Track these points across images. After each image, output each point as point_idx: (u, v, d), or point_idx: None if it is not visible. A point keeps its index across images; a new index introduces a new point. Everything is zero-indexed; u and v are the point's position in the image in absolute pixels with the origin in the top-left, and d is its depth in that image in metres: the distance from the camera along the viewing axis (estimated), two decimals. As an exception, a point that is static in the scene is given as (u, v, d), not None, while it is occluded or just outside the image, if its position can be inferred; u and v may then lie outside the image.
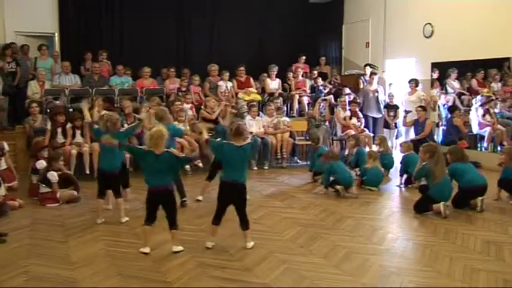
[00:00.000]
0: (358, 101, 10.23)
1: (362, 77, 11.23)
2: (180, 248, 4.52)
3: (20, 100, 9.30)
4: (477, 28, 9.32)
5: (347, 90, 10.71)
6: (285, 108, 10.35)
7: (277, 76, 10.73)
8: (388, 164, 8.08)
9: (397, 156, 8.38)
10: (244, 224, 4.63)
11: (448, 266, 4.19)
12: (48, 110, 8.72)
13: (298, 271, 4.09)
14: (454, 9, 9.86)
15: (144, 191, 4.61)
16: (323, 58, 12.46)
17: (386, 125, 10.45)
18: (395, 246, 4.74)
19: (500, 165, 6.59)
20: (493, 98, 9.27)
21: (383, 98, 10.77)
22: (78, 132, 8.10)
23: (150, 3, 11.37)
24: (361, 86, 11.03)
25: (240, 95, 10.07)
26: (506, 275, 4.00)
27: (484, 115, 9.11)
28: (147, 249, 4.49)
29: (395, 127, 10.46)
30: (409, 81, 10.06)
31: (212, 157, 6.40)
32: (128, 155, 6.49)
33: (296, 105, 10.63)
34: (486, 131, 9.04)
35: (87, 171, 7.78)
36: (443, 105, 10.12)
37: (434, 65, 10.35)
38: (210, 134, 6.45)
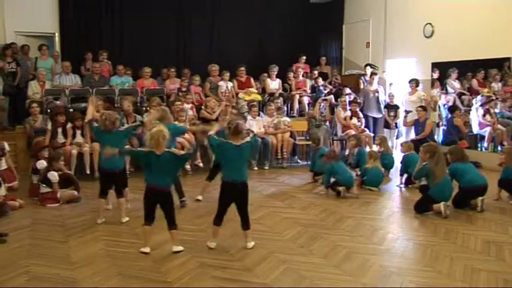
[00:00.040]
0: (359, 101, 10.22)
1: (362, 77, 11.22)
2: (180, 248, 4.52)
3: (21, 100, 9.30)
4: (477, 28, 9.32)
5: (347, 90, 10.71)
6: (286, 108, 10.35)
7: (277, 76, 10.72)
8: (388, 164, 8.07)
9: (398, 156, 8.38)
10: (246, 223, 4.62)
11: (448, 266, 4.19)
12: (49, 110, 8.71)
13: (299, 271, 4.09)
14: (454, 9, 9.86)
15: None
16: (323, 58, 12.45)
17: (387, 125, 10.45)
18: (395, 246, 4.74)
19: (501, 165, 6.59)
20: (493, 98, 9.28)
21: (383, 98, 10.76)
22: (78, 132, 8.10)
23: (150, 3, 11.37)
24: (362, 86, 11.02)
25: (241, 95, 10.07)
26: (507, 275, 4.00)
27: (484, 115, 9.11)
28: (147, 249, 4.49)
29: (396, 127, 10.46)
30: (410, 81, 10.05)
31: (212, 157, 6.39)
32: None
33: (296, 105, 10.63)
34: (486, 131, 9.03)
35: (88, 171, 7.80)
36: (444, 105, 10.12)
37: (435, 65, 10.35)
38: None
